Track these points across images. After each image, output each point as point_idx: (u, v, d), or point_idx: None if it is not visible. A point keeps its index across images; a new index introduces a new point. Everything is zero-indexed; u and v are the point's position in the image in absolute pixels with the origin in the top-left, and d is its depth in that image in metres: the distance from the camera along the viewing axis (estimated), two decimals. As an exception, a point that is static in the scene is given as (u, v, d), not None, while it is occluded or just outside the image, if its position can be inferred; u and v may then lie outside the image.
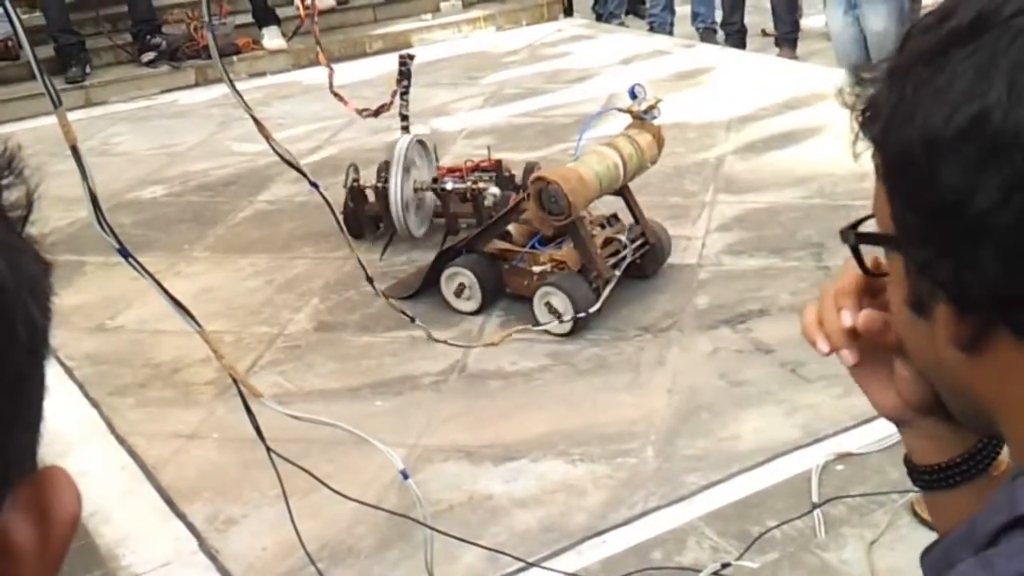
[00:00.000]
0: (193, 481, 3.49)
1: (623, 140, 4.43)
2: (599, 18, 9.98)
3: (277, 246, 5.23)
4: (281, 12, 8.89)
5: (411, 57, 5.03)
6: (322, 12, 9.12)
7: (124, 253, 2.41)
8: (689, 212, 5.22)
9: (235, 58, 8.53)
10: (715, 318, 4.22)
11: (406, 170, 4.80)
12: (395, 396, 3.88)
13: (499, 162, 5.16)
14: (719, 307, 4.30)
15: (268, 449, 2.68)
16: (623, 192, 4.52)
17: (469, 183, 4.89)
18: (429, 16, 9.58)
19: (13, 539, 0.53)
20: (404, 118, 4.98)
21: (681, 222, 5.09)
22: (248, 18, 8.83)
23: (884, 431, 3.30)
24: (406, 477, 2.91)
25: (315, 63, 8.45)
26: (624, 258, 4.33)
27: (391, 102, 5.00)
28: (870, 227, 0.86)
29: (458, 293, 4.39)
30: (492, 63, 8.49)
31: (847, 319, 0.96)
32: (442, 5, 9.68)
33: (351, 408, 3.77)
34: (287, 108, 7.59)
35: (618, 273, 4.27)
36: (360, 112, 5.06)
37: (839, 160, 5.64)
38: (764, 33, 9.24)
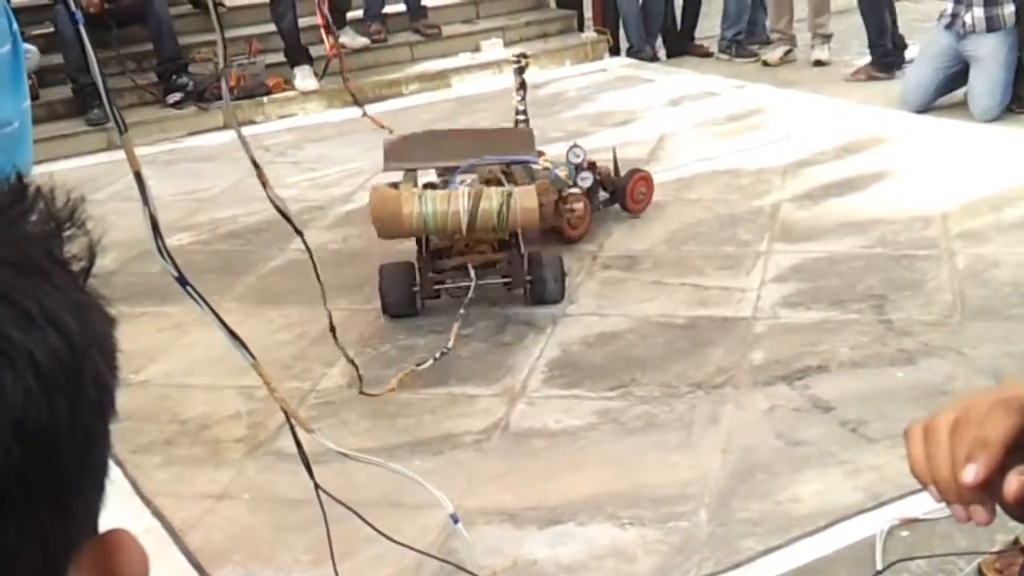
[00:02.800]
0: (223, 544, 3.52)
1: (495, 192, 4.64)
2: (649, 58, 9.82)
3: (310, 297, 5.24)
4: (314, 51, 8.95)
5: (524, 56, 6.17)
6: (356, 50, 9.25)
7: (183, 281, 2.44)
8: (743, 262, 5.24)
9: (265, 99, 8.63)
10: (771, 374, 4.23)
11: None
12: (434, 456, 3.90)
13: (594, 164, 5.82)
14: (775, 362, 4.30)
15: (316, 486, 2.72)
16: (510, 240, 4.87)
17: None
18: (469, 55, 9.64)
19: None
20: (519, 112, 6.03)
21: (735, 273, 5.11)
22: (279, 57, 8.90)
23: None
24: (456, 521, 2.93)
25: (349, 104, 8.60)
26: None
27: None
28: None
29: None
30: (535, 104, 8.53)
31: (970, 474, 0.83)
32: (482, 44, 9.72)
33: (388, 468, 3.79)
34: (320, 151, 7.66)
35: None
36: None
37: (901, 207, 5.68)
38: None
